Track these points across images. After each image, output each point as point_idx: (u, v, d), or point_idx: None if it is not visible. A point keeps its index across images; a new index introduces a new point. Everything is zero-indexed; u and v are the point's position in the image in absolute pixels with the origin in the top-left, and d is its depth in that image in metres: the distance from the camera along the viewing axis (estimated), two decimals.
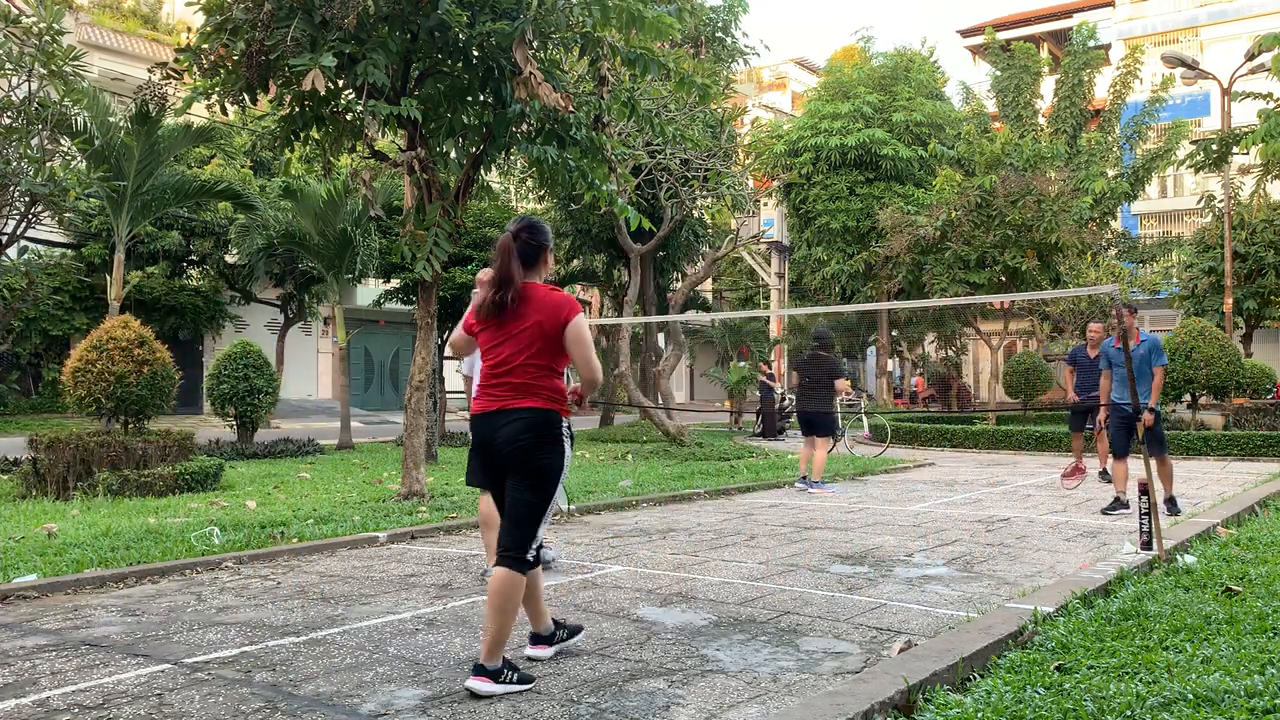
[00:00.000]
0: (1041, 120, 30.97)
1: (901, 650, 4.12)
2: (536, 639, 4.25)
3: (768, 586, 5.72)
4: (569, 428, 4.00)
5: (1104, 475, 11.23)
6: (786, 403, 22.39)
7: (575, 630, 4.38)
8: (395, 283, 23.50)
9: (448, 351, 17.59)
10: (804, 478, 11.12)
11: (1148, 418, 8.24)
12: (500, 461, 3.94)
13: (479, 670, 3.74)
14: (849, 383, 11.06)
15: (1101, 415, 9.72)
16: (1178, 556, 6.09)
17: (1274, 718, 3.17)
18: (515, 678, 3.79)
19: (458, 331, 4.24)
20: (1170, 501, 8.53)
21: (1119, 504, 8.88)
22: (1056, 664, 3.81)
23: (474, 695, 3.69)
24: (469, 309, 4.15)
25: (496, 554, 3.88)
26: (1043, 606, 4.68)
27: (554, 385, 3.96)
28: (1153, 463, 7.03)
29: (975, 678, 3.80)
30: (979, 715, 3.27)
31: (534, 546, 3.89)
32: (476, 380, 5.65)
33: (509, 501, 3.95)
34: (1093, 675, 3.67)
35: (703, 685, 3.84)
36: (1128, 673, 3.69)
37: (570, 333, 3.92)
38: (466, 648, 4.39)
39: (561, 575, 6.06)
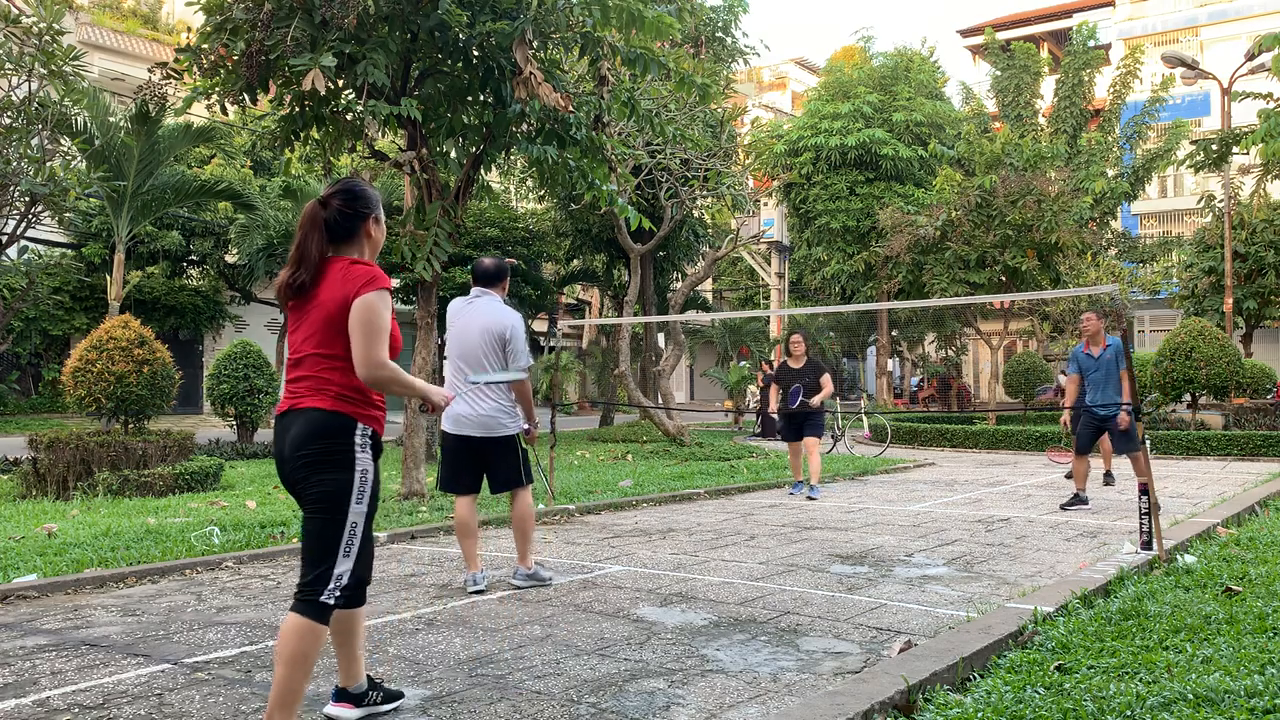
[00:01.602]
0: (1041, 120, 31.00)
1: (901, 650, 4.12)
2: (342, 695, 3.42)
3: (768, 586, 5.72)
4: (369, 436, 3.19)
5: (1108, 477, 11.22)
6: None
7: (394, 696, 3.56)
8: (395, 282, 23.49)
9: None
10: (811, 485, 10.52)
11: (1124, 419, 8.39)
12: (286, 474, 3.20)
13: None
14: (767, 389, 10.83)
15: (1065, 417, 9.86)
16: (1178, 556, 6.09)
17: (1274, 718, 3.17)
18: None
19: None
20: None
21: (1078, 500, 9.16)
22: (1056, 664, 3.81)
23: None
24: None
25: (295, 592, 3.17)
26: (1043, 606, 4.68)
27: (348, 381, 3.15)
28: (1140, 461, 7.06)
29: (975, 678, 3.80)
30: (979, 715, 3.27)
31: (334, 585, 3.10)
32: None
33: (301, 529, 3.22)
34: (1093, 675, 3.67)
35: (703, 685, 3.84)
36: (1128, 673, 3.69)
37: (354, 312, 3.08)
38: (467, 648, 4.39)
39: (562, 575, 6.06)
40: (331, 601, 3.10)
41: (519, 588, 5.65)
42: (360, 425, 3.16)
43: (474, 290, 5.66)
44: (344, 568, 3.12)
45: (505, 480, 5.61)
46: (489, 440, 5.52)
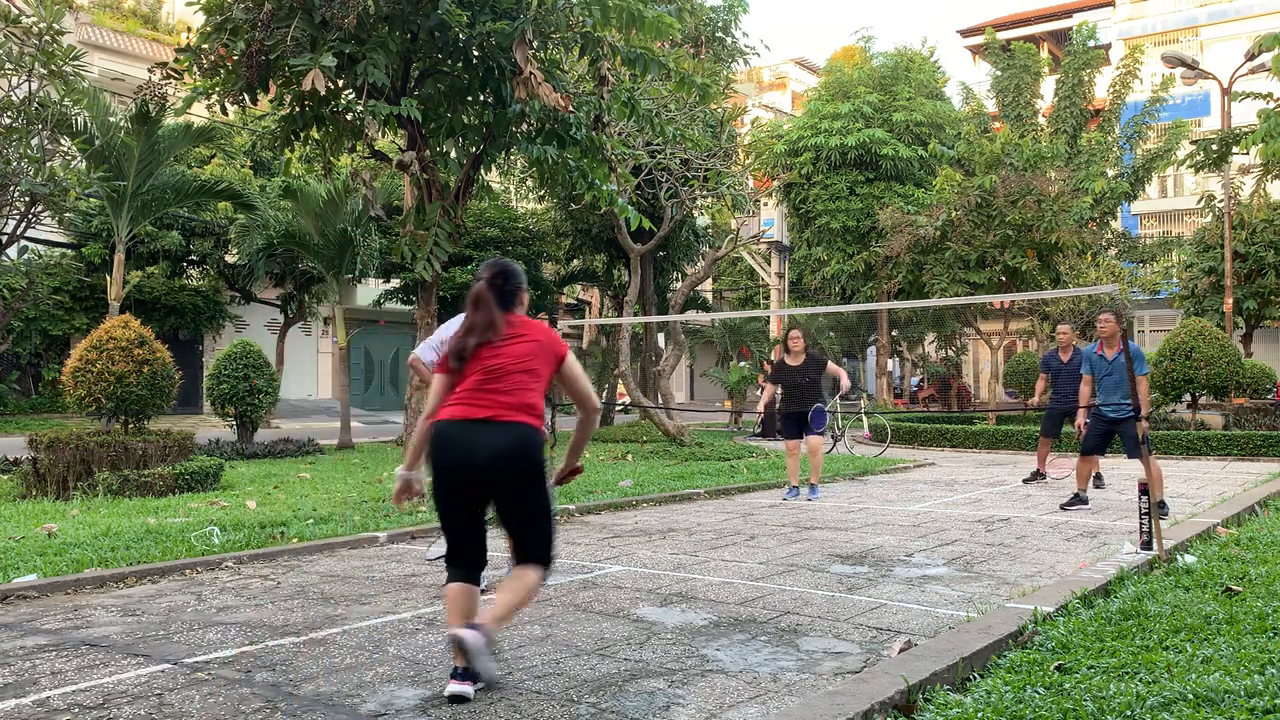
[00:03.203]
0: (1041, 120, 30.97)
1: (901, 650, 4.12)
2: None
3: (768, 586, 5.72)
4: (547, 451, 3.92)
5: (1097, 479, 11.18)
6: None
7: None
8: (395, 283, 23.47)
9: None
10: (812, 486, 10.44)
11: (1144, 425, 8.33)
12: (480, 484, 3.79)
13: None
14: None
15: (1079, 420, 9.81)
16: (1178, 556, 6.09)
17: (1274, 718, 3.17)
18: None
19: (435, 378, 4.06)
20: (1160, 504, 8.57)
21: (1078, 500, 9.17)
22: (1056, 664, 3.81)
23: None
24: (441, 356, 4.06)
25: (515, 561, 3.88)
26: (1043, 606, 4.68)
27: (540, 403, 3.87)
28: (1149, 466, 7.06)
29: (975, 678, 3.80)
30: (979, 715, 3.27)
31: (554, 556, 3.96)
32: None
33: (509, 529, 3.87)
34: (1093, 675, 3.67)
35: (703, 685, 3.84)
36: (1128, 673, 3.69)
37: (569, 369, 3.96)
38: None
39: (562, 575, 6.06)
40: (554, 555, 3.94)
41: None
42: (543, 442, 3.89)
43: None
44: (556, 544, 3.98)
45: None
46: None
